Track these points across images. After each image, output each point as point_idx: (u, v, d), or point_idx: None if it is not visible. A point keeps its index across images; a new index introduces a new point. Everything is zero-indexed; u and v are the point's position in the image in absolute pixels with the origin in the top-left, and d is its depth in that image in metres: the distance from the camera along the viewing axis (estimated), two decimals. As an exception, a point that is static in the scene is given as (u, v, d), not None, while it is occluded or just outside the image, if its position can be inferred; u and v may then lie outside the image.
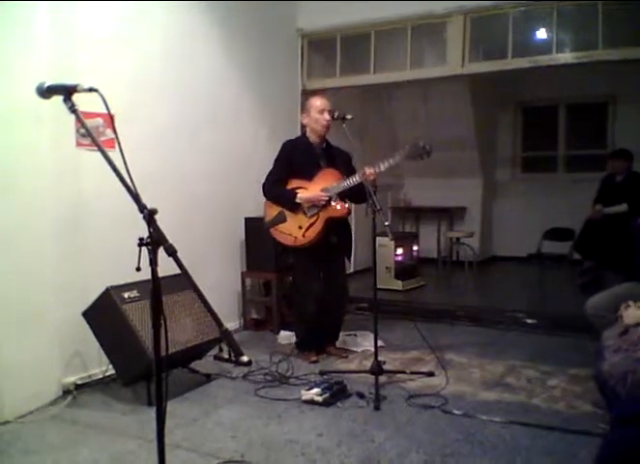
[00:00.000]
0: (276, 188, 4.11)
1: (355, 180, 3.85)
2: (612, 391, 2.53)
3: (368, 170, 3.72)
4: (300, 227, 4.06)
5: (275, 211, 4.14)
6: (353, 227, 6.68)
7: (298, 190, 4.05)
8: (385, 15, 5.50)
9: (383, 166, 3.75)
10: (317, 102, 4.09)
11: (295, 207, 4.05)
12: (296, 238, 4.07)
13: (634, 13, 4.58)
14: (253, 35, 5.21)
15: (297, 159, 4.11)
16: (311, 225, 4.03)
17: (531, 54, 5.11)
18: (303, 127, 4.32)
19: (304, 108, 4.31)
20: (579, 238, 6.27)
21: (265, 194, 4.18)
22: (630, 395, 2.27)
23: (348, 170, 4.06)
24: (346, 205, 4.05)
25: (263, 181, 4.16)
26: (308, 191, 4.04)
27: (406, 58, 5.60)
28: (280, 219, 4.11)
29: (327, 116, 4.02)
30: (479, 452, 2.73)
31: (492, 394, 3.50)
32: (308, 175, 4.08)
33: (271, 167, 4.18)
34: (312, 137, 4.15)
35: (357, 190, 3.86)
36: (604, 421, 2.78)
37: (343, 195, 4.04)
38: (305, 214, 4.05)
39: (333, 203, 3.99)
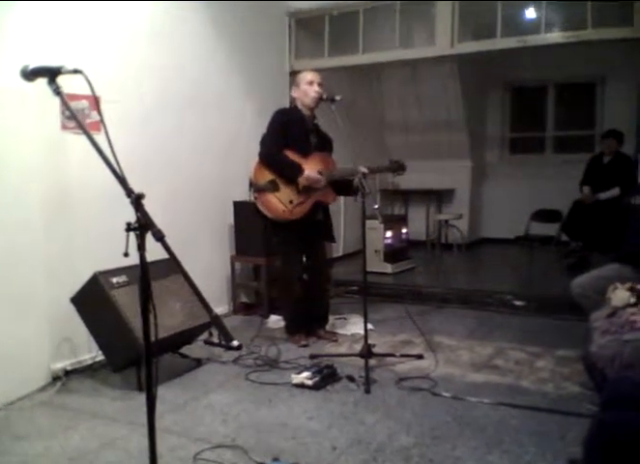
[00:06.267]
0: (282, 156, 3.99)
1: (349, 174, 3.82)
2: (600, 372, 2.55)
3: (363, 170, 3.67)
4: (291, 202, 4.02)
5: (266, 176, 4.02)
6: (342, 211, 6.67)
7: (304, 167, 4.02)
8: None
9: (373, 173, 3.92)
10: (307, 75, 4.08)
11: (294, 181, 4.01)
12: (284, 210, 4.01)
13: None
14: (241, 14, 5.13)
15: (291, 128, 4.05)
16: (301, 203, 4.03)
17: (520, 34, 5.08)
18: (291, 103, 4.29)
19: (294, 82, 4.26)
20: (567, 219, 6.29)
21: (266, 157, 4.02)
22: (618, 377, 2.28)
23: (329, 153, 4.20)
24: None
25: (260, 140, 4.10)
26: (308, 170, 4.02)
27: (395, 38, 5.55)
28: (273, 188, 4.00)
29: (316, 87, 3.99)
30: (468, 434, 2.75)
31: (481, 376, 3.53)
32: (301, 150, 4.04)
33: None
34: (304, 110, 4.12)
35: (345, 184, 3.93)
36: (592, 403, 2.81)
37: (331, 183, 4.10)
38: (297, 190, 4.03)
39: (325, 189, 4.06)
